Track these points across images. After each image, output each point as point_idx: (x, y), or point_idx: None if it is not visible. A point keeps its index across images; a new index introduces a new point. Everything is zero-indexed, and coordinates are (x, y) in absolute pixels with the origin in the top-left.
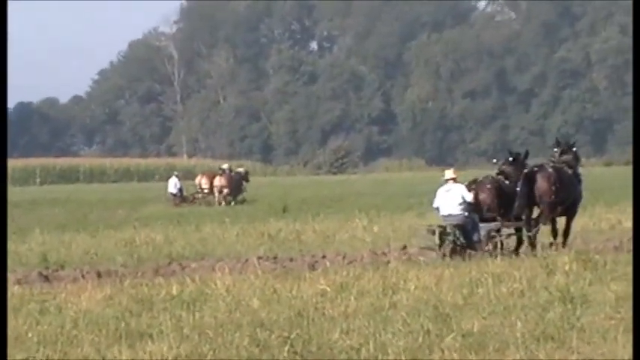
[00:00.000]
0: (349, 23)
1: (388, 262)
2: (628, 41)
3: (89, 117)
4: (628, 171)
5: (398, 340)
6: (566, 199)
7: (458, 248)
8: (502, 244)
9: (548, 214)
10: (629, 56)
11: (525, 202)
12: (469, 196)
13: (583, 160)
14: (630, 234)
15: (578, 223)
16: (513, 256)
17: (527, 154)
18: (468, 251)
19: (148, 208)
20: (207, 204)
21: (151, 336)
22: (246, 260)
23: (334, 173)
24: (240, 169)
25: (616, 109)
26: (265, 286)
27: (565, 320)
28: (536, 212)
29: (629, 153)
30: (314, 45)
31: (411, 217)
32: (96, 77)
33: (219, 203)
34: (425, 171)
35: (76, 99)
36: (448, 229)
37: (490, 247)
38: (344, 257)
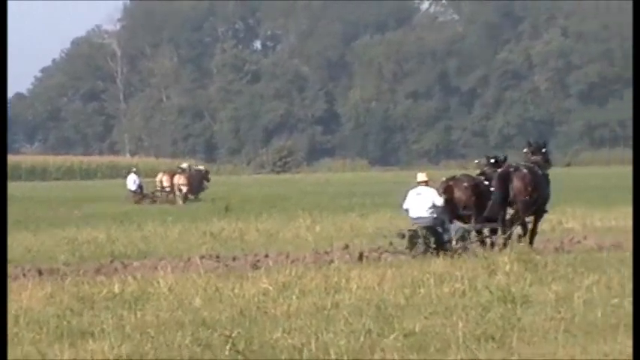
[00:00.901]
0: (292, 23)
1: (331, 261)
2: (569, 43)
3: (31, 115)
4: (568, 172)
5: (340, 340)
6: (539, 198)
7: (429, 250)
8: (490, 243)
9: (523, 213)
10: (571, 58)
11: (500, 201)
12: (439, 201)
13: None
14: (571, 235)
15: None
16: (456, 256)
17: (505, 158)
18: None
19: (90, 207)
20: (169, 202)
21: (92, 335)
22: (189, 259)
23: (277, 172)
24: (201, 167)
25: (557, 111)
26: (208, 285)
27: (506, 320)
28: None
29: (570, 155)
30: (258, 44)
31: (354, 217)
32: (39, 75)
33: (184, 201)
34: (368, 171)
35: (19, 97)
36: (418, 232)
37: (460, 247)
38: (287, 256)
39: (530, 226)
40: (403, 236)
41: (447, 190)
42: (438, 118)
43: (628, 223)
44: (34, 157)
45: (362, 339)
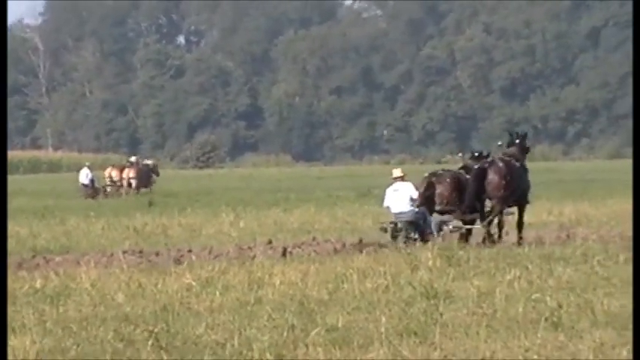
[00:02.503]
0: (216, 18)
1: (254, 257)
2: (491, 40)
3: None
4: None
5: (263, 336)
6: (516, 190)
7: (409, 241)
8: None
9: (500, 207)
10: (493, 55)
11: (474, 197)
12: (416, 194)
13: (449, 156)
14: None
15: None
16: (378, 251)
17: (488, 154)
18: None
19: (12, 201)
20: (118, 195)
21: (13, 330)
22: (112, 254)
23: (201, 168)
24: (149, 162)
25: (480, 107)
26: (130, 281)
27: (428, 315)
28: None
29: (491, 150)
30: (181, 39)
31: (277, 213)
32: None
33: (126, 193)
34: (292, 166)
35: None
36: (400, 226)
37: (441, 238)
38: (210, 252)
39: (516, 217)
40: (385, 230)
41: (428, 186)
42: (361, 114)
43: (547, 218)
44: None
45: (285, 334)
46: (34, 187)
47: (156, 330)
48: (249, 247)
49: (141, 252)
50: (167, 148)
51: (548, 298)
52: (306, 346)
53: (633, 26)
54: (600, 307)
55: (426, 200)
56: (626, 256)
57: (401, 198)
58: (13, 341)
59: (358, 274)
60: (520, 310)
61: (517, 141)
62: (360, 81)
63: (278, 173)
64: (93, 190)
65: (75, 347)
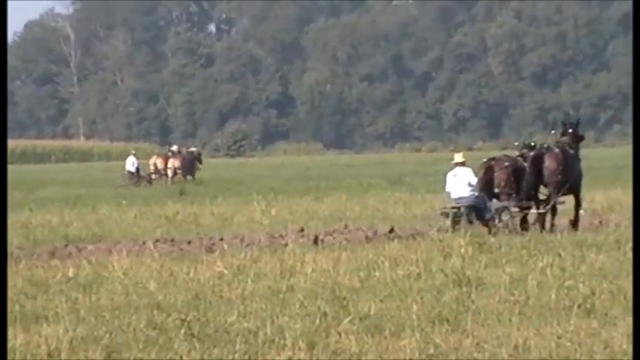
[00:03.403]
0: (246, 6)
1: (286, 245)
2: (522, 27)
3: None
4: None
5: (295, 323)
6: (570, 177)
7: (471, 225)
8: (524, 220)
9: (556, 192)
10: (524, 41)
11: (533, 181)
12: (474, 180)
13: (480, 143)
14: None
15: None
16: (410, 239)
17: (542, 145)
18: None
19: (44, 190)
20: (163, 183)
21: (46, 318)
22: (144, 243)
23: (232, 156)
24: (193, 149)
25: (511, 94)
26: (162, 269)
27: (460, 303)
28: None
29: (524, 137)
30: (212, 28)
31: (309, 201)
32: None
33: (173, 183)
34: (323, 154)
35: None
36: (462, 210)
37: (501, 223)
38: (242, 240)
39: (574, 204)
40: (447, 215)
41: (487, 170)
42: (392, 101)
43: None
44: None
45: (317, 322)
46: (66, 177)
47: (188, 318)
48: (281, 235)
49: (173, 240)
50: (198, 137)
51: (580, 285)
52: (339, 334)
53: (633, 26)
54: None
55: (485, 184)
56: None
57: (461, 183)
58: (46, 329)
59: (390, 262)
60: (552, 297)
61: (570, 130)
62: (390, 68)
63: (309, 161)
64: (138, 178)
65: (108, 335)
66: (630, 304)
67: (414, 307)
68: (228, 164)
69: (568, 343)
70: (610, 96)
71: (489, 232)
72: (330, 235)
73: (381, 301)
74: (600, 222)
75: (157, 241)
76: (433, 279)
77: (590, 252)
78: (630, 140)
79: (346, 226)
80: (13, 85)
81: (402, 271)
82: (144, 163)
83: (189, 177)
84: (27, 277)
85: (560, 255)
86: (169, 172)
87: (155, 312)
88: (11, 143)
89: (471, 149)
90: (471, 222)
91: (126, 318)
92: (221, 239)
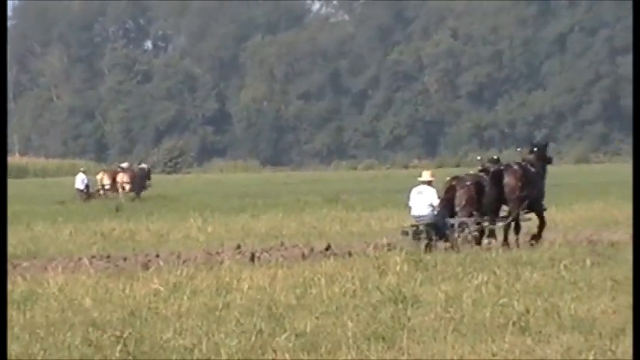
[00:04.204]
0: (184, 23)
1: (222, 261)
2: (458, 45)
3: None
4: (460, 172)
5: (231, 341)
6: (530, 194)
7: (431, 243)
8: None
9: (517, 209)
10: (460, 60)
11: (494, 197)
12: (437, 201)
13: (416, 161)
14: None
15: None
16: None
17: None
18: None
19: None
20: (111, 200)
21: None
22: (79, 259)
23: (168, 173)
24: (144, 166)
25: (447, 112)
26: (98, 286)
27: (396, 320)
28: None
29: (459, 155)
30: (149, 44)
31: (245, 218)
32: None
33: (122, 198)
34: (259, 172)
35: None
36: (421, 228)
37: (460, 238)
38: (178, 257)
39: (537, 222)
40: (407, 233)
41: (449, 189)
42: (329, 119)
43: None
44: None
45: (253, 339)
46: None
47: (124, 335)
48: (217, 252)
49: (108, 257)
50: (135, 154)
51: (515, 303)
52: (274, 351)
53: (633, 26)
54: (567, 312)
55: (447, 203)
56: (593, 260)
57: (423, 201)
58: None
59: (326, 279)
60: (488, 314)
61: (535, 149)
62: (327, 86)
63: (246, 178)
64: (88, 195)
65: (42, 353)
66: (564, 322)
67: (350, 325)
68: (164, 180)
69: None
70: (545, 115)
71: (452, 247)
72: (267, 252)
73: (317, 318)
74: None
75: (93, 257)
76: (369, 296)
77: (525, 270)
78: (566, 159)
79: (282, 244)
80: None
81: (338, 289)
82: (92, 179)
83: (138, 193)
84: None
85: (495, 273)
86: (119, 188)
87: (91, 329)
88: None
89: (406, 167)
90: (430, 239)
91: (61, 335)
92: (157, 256)
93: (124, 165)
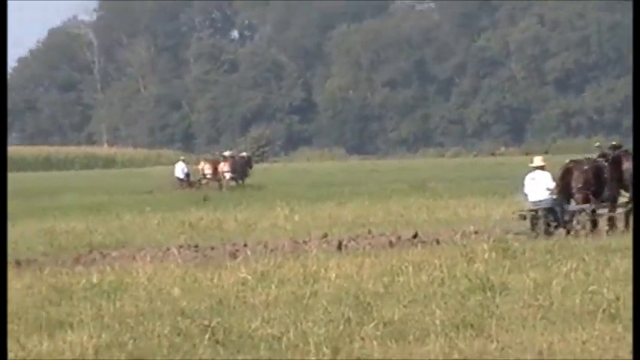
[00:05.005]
0: (269, 12)
1: (309, 250)
2: (545, 31)
3: (8, 105)
4: (547, 160)
5: (318, 329)
6: None
7: (550, 229)
8: (595, 222)
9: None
10: (547, 46)
11: (613, 184)
12: (552, 184)
13: (503, 148)
14: None
15: (497, 211)
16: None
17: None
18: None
19: (68, 197)
20: (212, 189)
21: (70, 325)
22: (167, 249)
23: (255, 162)
24: (244, 154)
25: (534, 99)
26: (186, 275)
27: (484, 308)
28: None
29: (547, 142)
30: (235, 34)
31: (332, 207)
32: (15, 65)
33: (225, 188)
34: (345, 160)
35: None
36: (539, 213)
37: (579, 225)
38: (265, 246)
39: None
40: (524, 218)
41: (566, 173)
42: (415, 107)
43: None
44: (11, 148)
45: (341, 327)
46: (89, 183)
47: (212, 324)
48: (304, 241)
49: (196, 246)
50: (221, 143)
51: (605, 290)
52: (362, 339)
53: (633, 27)
54: None
55: (563, 187)
56: None
57: (539, 186)
58: (70, 336)
59: (413, 267)
60: (577, 301)
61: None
62: (413, 73)
63: (332, 167)
64: (188, 183)
65: (132, 342)
66: None
67: (438, 313)
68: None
69: (593, 348)
70: None
71: (567, 234)
72: (354, 240)
73: (404, 306)
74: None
75: (181, 247)
76: (457, 284)
77: (614, 257)
78: None
79: (369, 232)
80: (36, 91)
81: (425, 277)
82: (193, 169)
83: (239, 181)
84: (51, 283)
85: (584, 259)
86: (221, 177)
87: (179, 318)
88: (34, 150)
89: (493, 154)
90: (548, 225)
91: (150, 324)
92: (244, 245)
93: (227, 153)
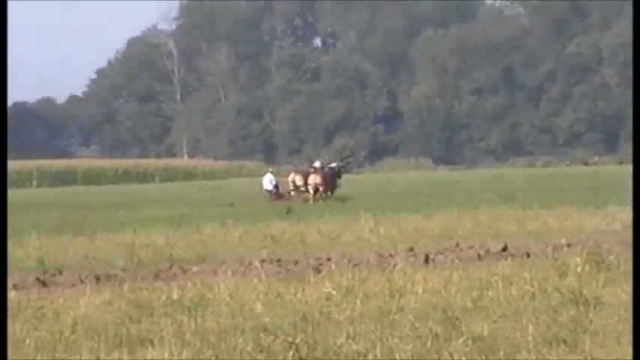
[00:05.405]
0: (352, 19)
1: (395, 264)
2: None
3: (87, 117)
4: None
5: (405, 345)
6: None
7: None
8: None
9: None
10: None
11: None
12: None
13: (596, 158)
14: None
15: (590, 223)
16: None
17: None
18: None
19: (147, 210)
20: (303, 200)
21: (151, 342)
22: (249, 263)
23: None
24: (333, 165)
25: (628, 106)
26: (269, 290)
27: (577, 323)
28: None
29: None
30: (317, 42)
31: (418, 218)
32: (94, 76)
33: (315, 200)
34: (432, 170)
35: (74, 99)
36: None
37: None
38: (349, 259)
39: None
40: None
41: None
42: (503, 115)
43: None
44: (90, 161)
45: (428, 344)
46: (169, 196)
47: (296, 341)
48: (390, 254)
49: (279, 261)
50: (304, 153)
51: None
52: (451, 355)
53: (633, 26)
54: None
55: None
56: None
57: None
58: (151, 353)
59: (503, 281)
60: None
61: None
62: (501, 81)
63: (418, 177)
64: (277, 195)
65: (214, 358)
66: None
67: (530, 328)
68: None
69: None
70: None
71: None
72: (441, 253)
73: (494, 321)
74: None
75: (263, 261)
76: (548, 299)
77: None
78: None
79: (457, 245)
80: (116, 103)
81: (515, 291)
82: (282, 180)
83: (328, 193)
84: (131, 299)
85: None
86: (310, 189)
87: (262, 334)
88: (114, 163)
89: (586, 164)
90: None
91: (232, 341)
92: (328, 259)
93: (317, 164)
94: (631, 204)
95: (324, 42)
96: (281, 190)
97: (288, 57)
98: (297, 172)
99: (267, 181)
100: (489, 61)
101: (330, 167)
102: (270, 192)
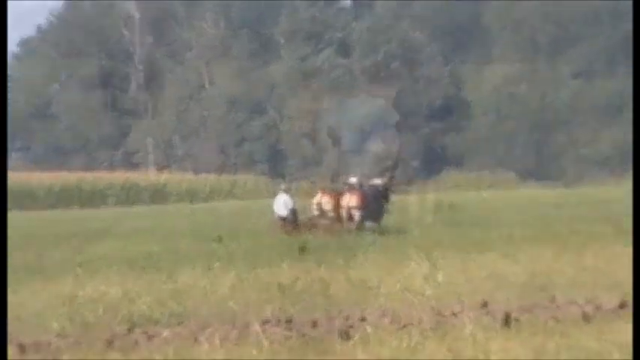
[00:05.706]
0: None
1: (461, 326)
2: None
3: (8, 111)
4: None
5: None
6: None
7: None
8: None
9: None
10: None
11: None
12: None
13: None
14: None
15: None
16: None
17: None
18: None
19: (97, 247)
20: (331, 233)
21: None
22: (246, 325)
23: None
24: (378, 181)
25: None
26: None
27: None
28: None
29: None
30: (346, 1)
31: (494, 259)
32: (17, 50)
33: (349, 231)
34: (515, 188)
35: None
36: None
37: None
38: (393, 320)
39: None
40: None
41: None
42: (621, 108)
43: None
44: (12, 175)
45: None
46: (129, 226)
47: None
48: (453, 313)
49: (289, 322)
50: (324, 165)
51: None
52: None
53: (633, 26)
54: None
55: None
56: None
57: None
58: None
59: (621, 352)
60: None
61: None
62: (618, 58)
63: (494, 198)
64: (294, 224)
65: None
66: None
67: None
68: None
69: None
70: None
71: None
72: (529, 311)
73: None
74: None
75: (267, 322)
76: None
77: None
78: None
79: (553, 299)
80: (50, 90)
81: None
82: (303, 203)
83: (370, 223)
84: None
85: None
86: (343, 214)
87: None
88: (47, 177)
89: None
90: None
91: None
92: (363, 319)
93: (353, 180)
94: None
95: (355, 1)
96: (299, 217)
97: (303, 23)
98: (324, 191)
99: (281, 204)
100: (601, 29)
101: (373, 184)
102: (284, 219)
